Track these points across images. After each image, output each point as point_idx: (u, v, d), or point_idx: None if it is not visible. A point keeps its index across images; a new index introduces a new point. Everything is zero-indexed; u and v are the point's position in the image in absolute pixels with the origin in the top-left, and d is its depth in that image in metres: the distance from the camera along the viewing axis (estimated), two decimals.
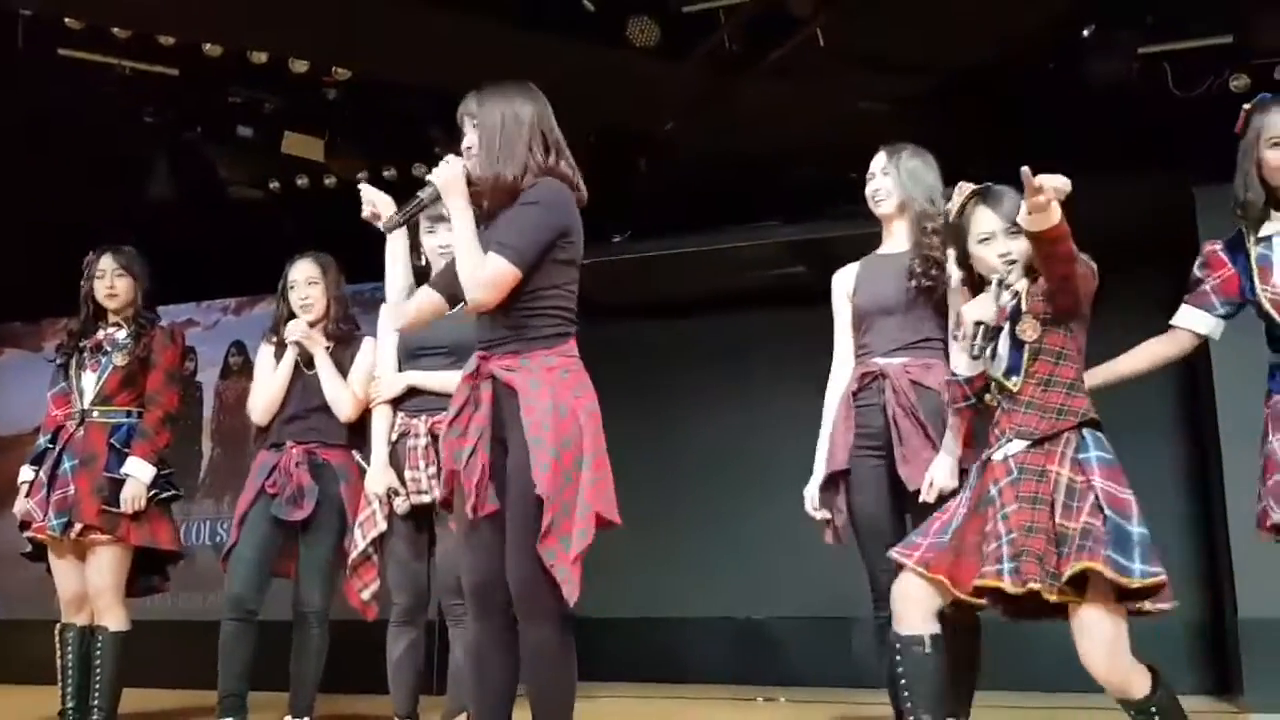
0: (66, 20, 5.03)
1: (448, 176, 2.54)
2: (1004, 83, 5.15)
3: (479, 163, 2.57)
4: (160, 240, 4.76)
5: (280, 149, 5.84)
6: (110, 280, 4.10)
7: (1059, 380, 2.68)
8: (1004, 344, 2.72)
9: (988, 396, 2.83)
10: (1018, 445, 2.67)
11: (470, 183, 2.57)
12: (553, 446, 2.42)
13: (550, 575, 2.40)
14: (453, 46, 4.85)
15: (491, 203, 2.59)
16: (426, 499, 3.55)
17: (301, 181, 6.34)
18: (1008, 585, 2.54)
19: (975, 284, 2.85)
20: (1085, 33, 4.97)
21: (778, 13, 4.82)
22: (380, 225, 2.69)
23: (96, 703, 3.90)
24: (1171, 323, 2.94)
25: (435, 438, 3.47)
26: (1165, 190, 5.27)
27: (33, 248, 6.33)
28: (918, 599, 2.70)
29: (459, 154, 2.61)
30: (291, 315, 4.02)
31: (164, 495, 4.04)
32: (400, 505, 3.59)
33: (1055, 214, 2.46)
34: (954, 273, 3.07)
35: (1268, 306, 2.79)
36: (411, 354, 3.66)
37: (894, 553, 2.76)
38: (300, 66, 5.46)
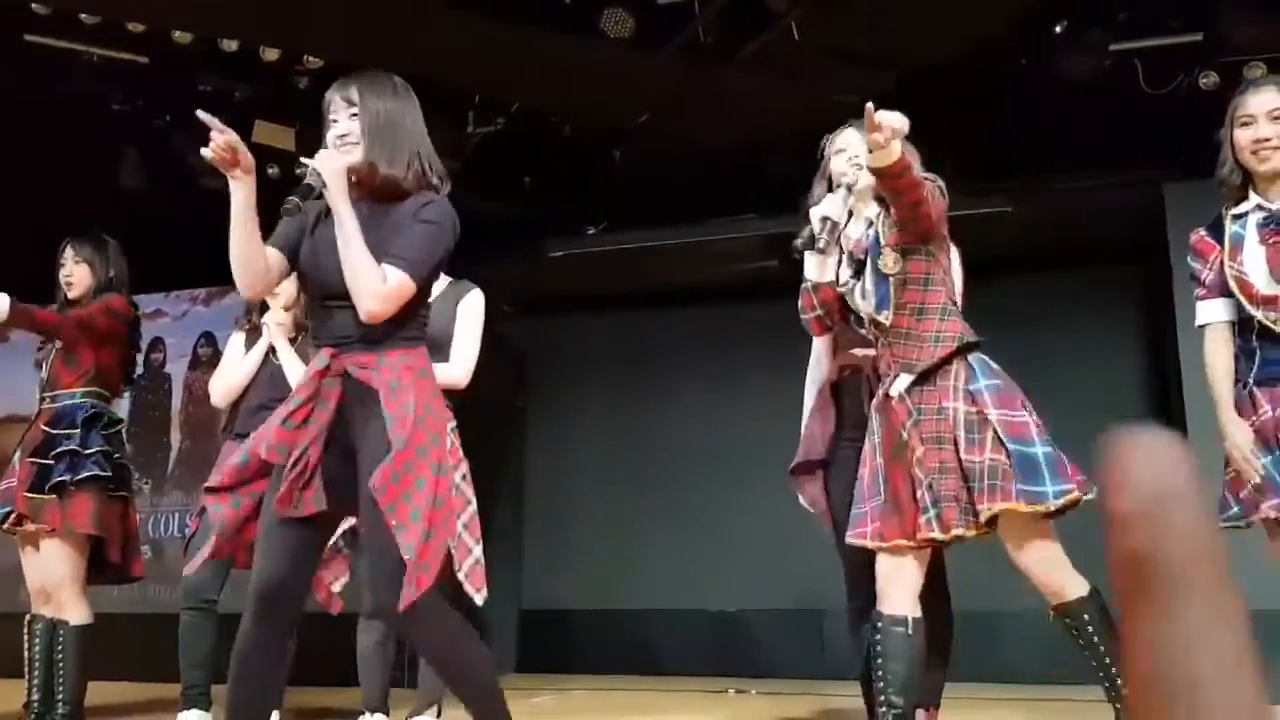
0: (33, 5, 4.96)
1: (333, 170, 2.44)
2: (976, 78, 5.18)
3: (360, 153, 2.47)
4: (129, 230, 4.71)
5: (251, 138, 5.79)
6: (69, 268, 4.05)
7: (930, 307, 2.73)
8: (869, 279, 2.78)
9: (864, 330, 2.88)
10: (905, 380, 2.72)
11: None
12: (415, 449, 2.30)
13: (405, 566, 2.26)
14: (425, 37, 4.83)
15: (364, 196, 2.48)
16: None
17: (273, 171, 6.29)
18: (936, 534, 2.62)
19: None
20: (1057, 29, 5.00)
21: (752, 5, 4.83)
22: (282, 211, 2.51)
23: (61, 695, 3.86)
24: (1198, 324, 2.92)
25: None
26: (1135, 187, 5.32)
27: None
28: (902, 579, 2.71)
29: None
30: (263, 303, 3.99)
31: (83, 475, 3.82)
32: None
33: (895, 150, 2.54)
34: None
35: (1233, 285, 2.80)
36: None
37: (850, 538, 2.78)
38: (271, 55, 5.41)
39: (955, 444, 2.64)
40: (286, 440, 2.36)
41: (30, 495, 3.81)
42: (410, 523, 2.26)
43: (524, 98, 5.62)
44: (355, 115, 2.51)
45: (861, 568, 3.16)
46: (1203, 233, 2.93)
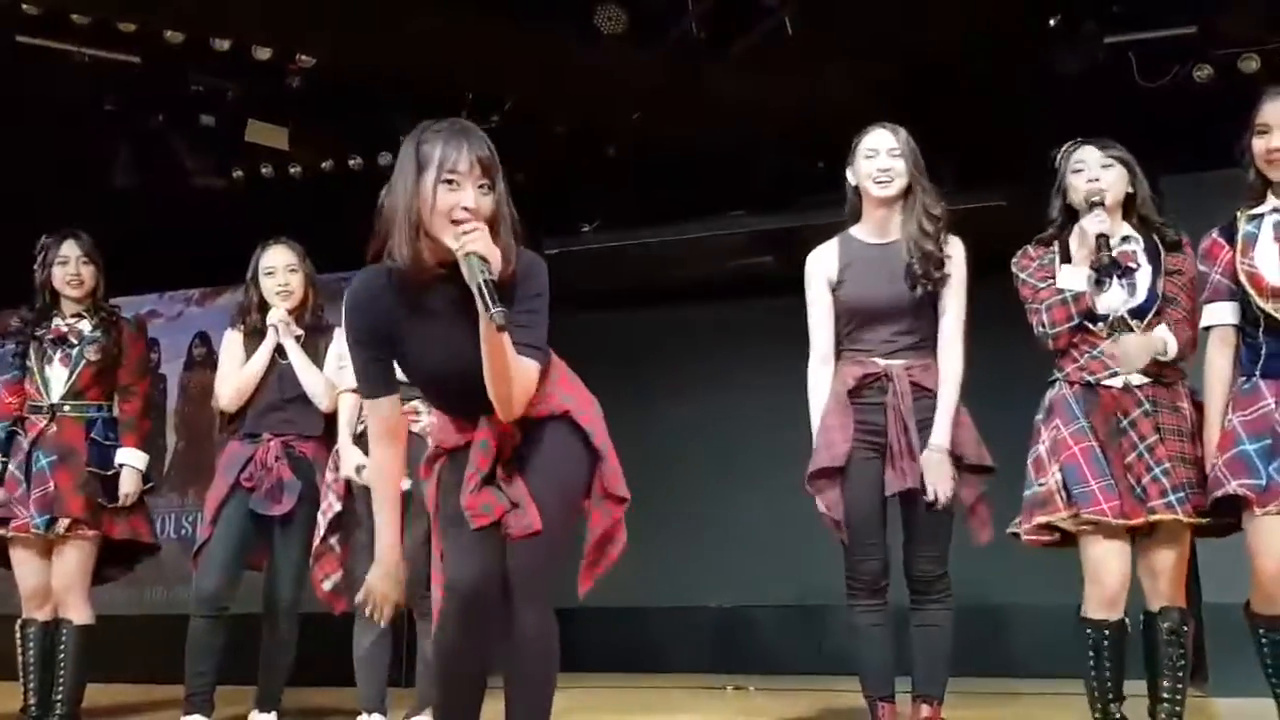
0: (24, 6, 4.94)
1: (489, 250, 2.12)
2: (971, 71, 5.17)
3: (499, 238, 2.17)
4: (122, 230, 4.70)
5: (244, 137, 5.77)
6: (76, 267, 4.04)
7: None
8: (1126, 288, 2.98)
9: (1099, 326, 2.98)
10: (1139, 378, 2.93)
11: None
12: (611, 450, 2.41)
13: (555, 566, 2.34)
14: (418, 35, 4.81)
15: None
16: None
17: (266, 170, 6.28)
18: (1181, 517, 2.84)
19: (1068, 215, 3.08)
20: (1051, 22, 5.00)
21: (745, 1, 4.82)
22: (498, 323, 2.07)
23: (59, 698, 3.85)
24: (1203, 326, 2.99)
25: None
26: None
27: None
28: (1121, 568, 2.92)
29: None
30: (262, 302, 3.96)
31: (145, 487, 4.03)
32: (367, 477, 3.54)
33: (1173, 343, 2.93)
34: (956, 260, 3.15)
35: (1244, 279, 2.86)
36: None
37: (1087, 514, 2.88)
38: (263, 54, 5.40)
39: (1192, 440, 2.92)
40: (479, 503, 2.31)
41: (95, 503, 3.87)
42: None
43: (517, 95, 5.61)
44: (485, 188, 2.18)
45: (871, 564, 3.17)
46: (1215, 235, 2.97)
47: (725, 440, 6.67)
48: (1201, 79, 5.08)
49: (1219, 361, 2.93)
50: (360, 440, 3.58)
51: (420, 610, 3.52)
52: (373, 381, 2.31)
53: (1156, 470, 2.84)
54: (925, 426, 3.11)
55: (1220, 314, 2.94)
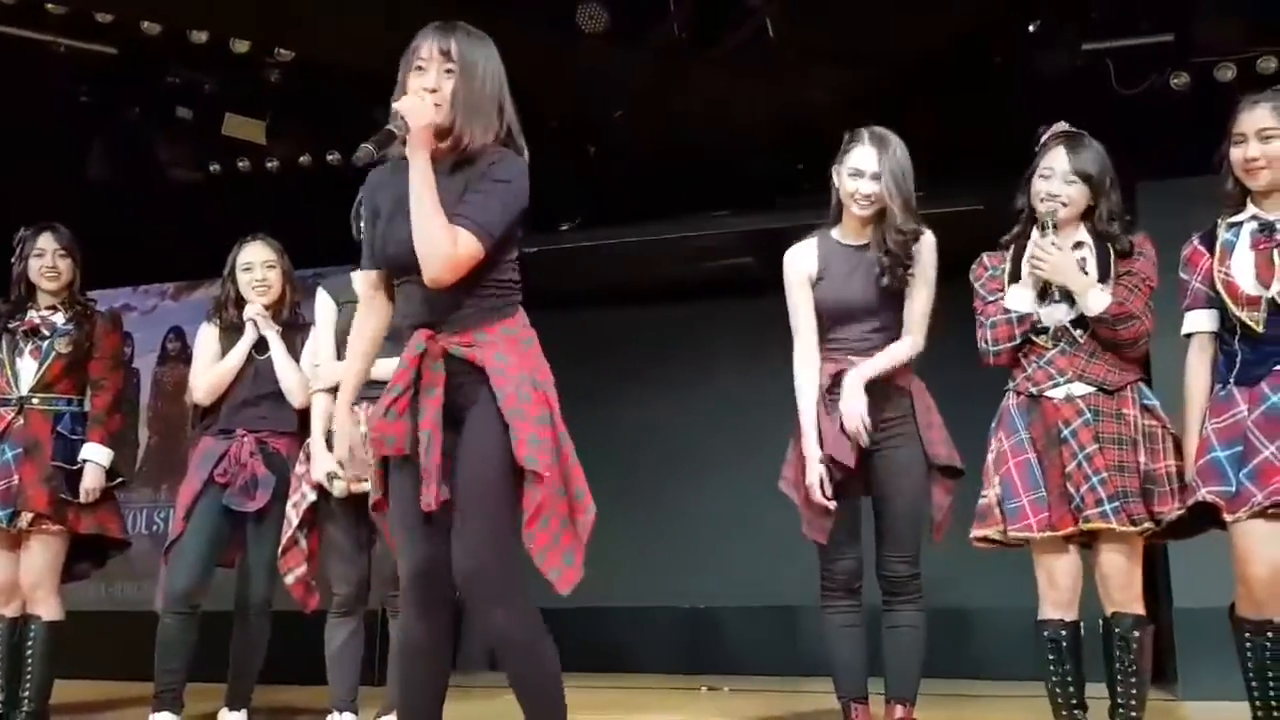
0: None
1: (420, 118, 2.26)
2: (949, 75, 5.19)
3: (449, 114, 2.31)
4: (97, 223, 4.66)
5: (221, 131, 5.73)
6: (52, 260, 4.00)
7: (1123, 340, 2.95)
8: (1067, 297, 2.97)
9: (1042, 338, 3.00)
10: (1081, 388, 2.94)
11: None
12: (535, 419, 2.27)
13: (504, 557, 2.25)
14: (397, 29, 4.78)
15: (439, 156, 2.33)
16: (365, 487, 3.50)
17: (243, 164, 6.24)
18: (1115, 526, 2.82)
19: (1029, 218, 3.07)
20: (1030, 27, 5.02)
21: (728, 1, 4.82)
22: (354, 159, 2.34)
23: (27, 694, 3.81)
24: (1184, 333, 3.00)
25: None
26: None
27: None
28: (1069, 574, 2.95)
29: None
30: (239, 297, 3.94)
31: (112, 483, 3.98)
32: (338, 488, 3.53)
33: (1100, 302, 2.90)
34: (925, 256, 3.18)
35: (1220, 287, 2.88)
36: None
37: (1014, 531, 2.91)
38: (241, 47, 5.37)
39: (1134, 448, 2.89)
40: (399, 431, 2.30)
41: (59, 498, 3.82)
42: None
43: None
44: (450, 73, 2.34)
45: (844, 564, 3.18)
46: (1195, 242, 3.00)
47: (702, 439, 6.67)
48: (1178, 86, 5.11)
49: (1197, 369, 2.95)
50: (331, 443, 3.56)
51: (392, 608, 3.51)
52: (364, 255, 2.49)
53: (1094, 479, 2.84)
54: (894, 419, 3.16)
55: (1199, 321, 2.95)
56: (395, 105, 2.30)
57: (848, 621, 3.20)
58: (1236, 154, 2.87)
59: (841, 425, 3.11)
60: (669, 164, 5.84)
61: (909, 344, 3.19)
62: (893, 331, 3.21)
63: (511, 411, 2.25)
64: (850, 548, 3.19)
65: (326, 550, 3.66)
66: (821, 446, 3.14)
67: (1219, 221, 2.95)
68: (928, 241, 3.22)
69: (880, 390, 3.15)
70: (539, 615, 2.33)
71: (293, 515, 3.66)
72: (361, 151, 2.28)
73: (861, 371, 3.12)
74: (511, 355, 2.31)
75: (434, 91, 2.32)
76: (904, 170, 3.16)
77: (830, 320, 3.25)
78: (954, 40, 4.99)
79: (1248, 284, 2.83)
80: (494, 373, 2.28)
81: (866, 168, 3.15)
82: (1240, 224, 2.90)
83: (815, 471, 3.12)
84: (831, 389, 3.19)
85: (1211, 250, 2.93)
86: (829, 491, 3.12)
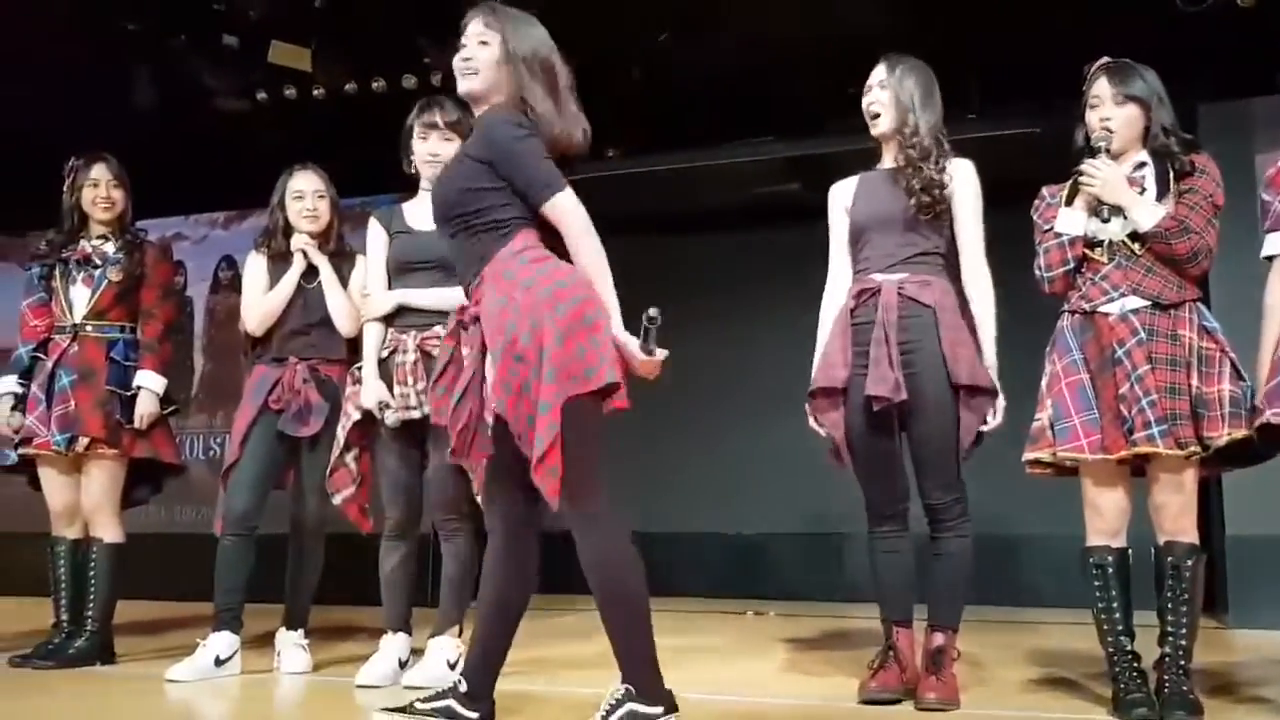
0: None
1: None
2: None
3: (479, 82, 2.59)
4: (146, 153, 4.68)
5: (267, 58, 5.72)
6: (106, 190, 4.05)
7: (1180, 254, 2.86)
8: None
9: (1098, 251, 2.95)
10: (1136, 302, 2.87)
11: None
12: (501, 353, 2.43)
13: (585, 484, 2.43)
14: None
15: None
16: (415, 414, 3.55)
17: (289, 92, 6.23)
18: (1162, 449, 2.75)
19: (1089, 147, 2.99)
20: None
21: None
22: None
23: (90, 614, 3.93)
24: (1264, 255, 2.93)
25: (425, 354, 3.51)
26: None
27: (14, 160, 6.23)
28: (1116, 499, 2.92)
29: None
30: (287, 226, 3.96)
31: (166, 410, 4.07)
32: (390, 418, 3.58)
33: (1151, 216, 2.81)
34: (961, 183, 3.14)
35: None
36: (401, 269, 3.65)
37: (1064, 451, 2.88)
38: None
39: (1187, 369, 2.81)
40: (444, 403, 2.58)
41: (114, 423, 3.92)
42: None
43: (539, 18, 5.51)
44: (486, 44, 2.59)
45: (881, 490, 3.18)
46: None
47: (747, 368, 6.66)
48: (1244, 3, 4.93)
49: (1277, 291, 2.87)
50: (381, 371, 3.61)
51: (445, 532, 3.56)
52: None
53: (1144, 401, 2.77)
54: (915, 341, 3.11)
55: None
56: None
57: (889, 548, 3.21)
58: None
59: (852, 353, 3.16)
60: (713, 89, 5.75)
61: (982, 298, 3.15)
62: (919, 250, 3.17)
63: (492, 353, 2.47)
64: (882, 472, 3.18)
65: (379, 475, 3.71)
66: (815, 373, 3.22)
67: None
68: (962, 168, 3.19)
69: (904, 307, 3.12)
70: (627, 538, 2.50)
71: (340, 436, 3.71)
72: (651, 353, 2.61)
73: (987, 360, 3.12)
74: (497, 289, 2.48)
75: (469, 60, 2.59)
76: (914, 88, 3.18)
77: (860, 239, 3.26)
78: None
79: None
80: (485, 319, 2.48)
81: (873, 80, 3.24)
82: None
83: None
84: (855, 308, 3.20)
85: None
86: (825, 425, 3.21)
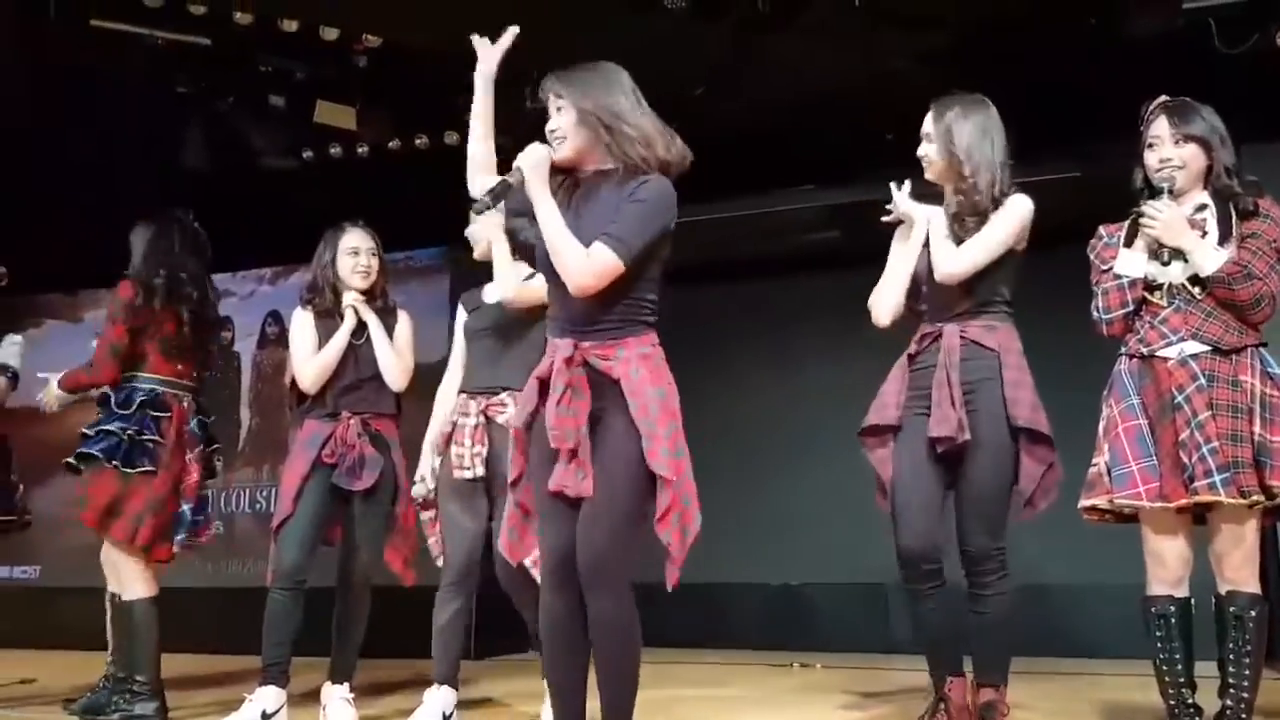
0: None
1: (533, 162, 2.56)
2: (1041, 39, 5.05)
3: (569, 148, 2.61)
4: (197, 211, 4.77)
5: (312, 118, 5.84)
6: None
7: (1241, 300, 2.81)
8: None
9: (1157, 295, 2.89)
10: (1195, 347, 2.81)
11: (553, 169, 2.60)
12: (665, 430, 2.50)
13: (620, 550, 2.50)
14: (482, 12, 4.80)
15: (575, 190, 2.64)
16: (468, 475, 3.61)
17: (334, 150, 6.35)
18: (1224, 498, 2.69)
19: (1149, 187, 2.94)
20: None
21: None
22: (472, 210, 2.70)
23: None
24: None
25: (488, 419, 3.65)
26: None
27: (68, 221, 6.38)
28: (1178, 549, 2.84)
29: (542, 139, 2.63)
30: (335, 282, 4.01)
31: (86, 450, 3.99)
32: (418, 491, 3.82)
33: (1214, 261, 2.77)
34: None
35: None
36: (469, 335, 3.84)
37: (1120, 498, 2.81)
38: (330, 34, 5.44)
39: (1250, 416, 2.74)
40: (570, 426, 2.52)
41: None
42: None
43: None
44: (561, 110, 2.63)
45: (913, 536, 3.14)
46: None
47: (791, 417, 6.63)
48: None
49: None
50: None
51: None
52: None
53: (1205, 449, 2.70)
54: (977, 381, 3.08)
55: None
56: (516, 161, 2.58)
57: (926, 607, 3.15)
58: None
59: (908, 395, 3.15)
60: (752, 138, 5.78)
61: (954, 254, 3.12)
62: (981, 299, 3.14)
63: (643, 421, 2.49)
64: (920, 520, 3.11)
65: (444, 526, 3.74)
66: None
67: None
68: (1015, 198, 3.15)
69: (966, 350, 3.10)
70: (635, 606, 2.57)
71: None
72: (480, 203, 2.60)
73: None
74: (644, 370, 2.53)
75: (553, 131, 2.62)
76: (965, 133, 3.13)
77: (923, 284, 3.26)
78: (1044, 1, 4.84)
79: None
80: (629, 387, 2.50)
81: (923, 130, 3.23)
82: None
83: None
84: (917, 353, 3.18)
85: None
86: (874, 462, 3.23)
